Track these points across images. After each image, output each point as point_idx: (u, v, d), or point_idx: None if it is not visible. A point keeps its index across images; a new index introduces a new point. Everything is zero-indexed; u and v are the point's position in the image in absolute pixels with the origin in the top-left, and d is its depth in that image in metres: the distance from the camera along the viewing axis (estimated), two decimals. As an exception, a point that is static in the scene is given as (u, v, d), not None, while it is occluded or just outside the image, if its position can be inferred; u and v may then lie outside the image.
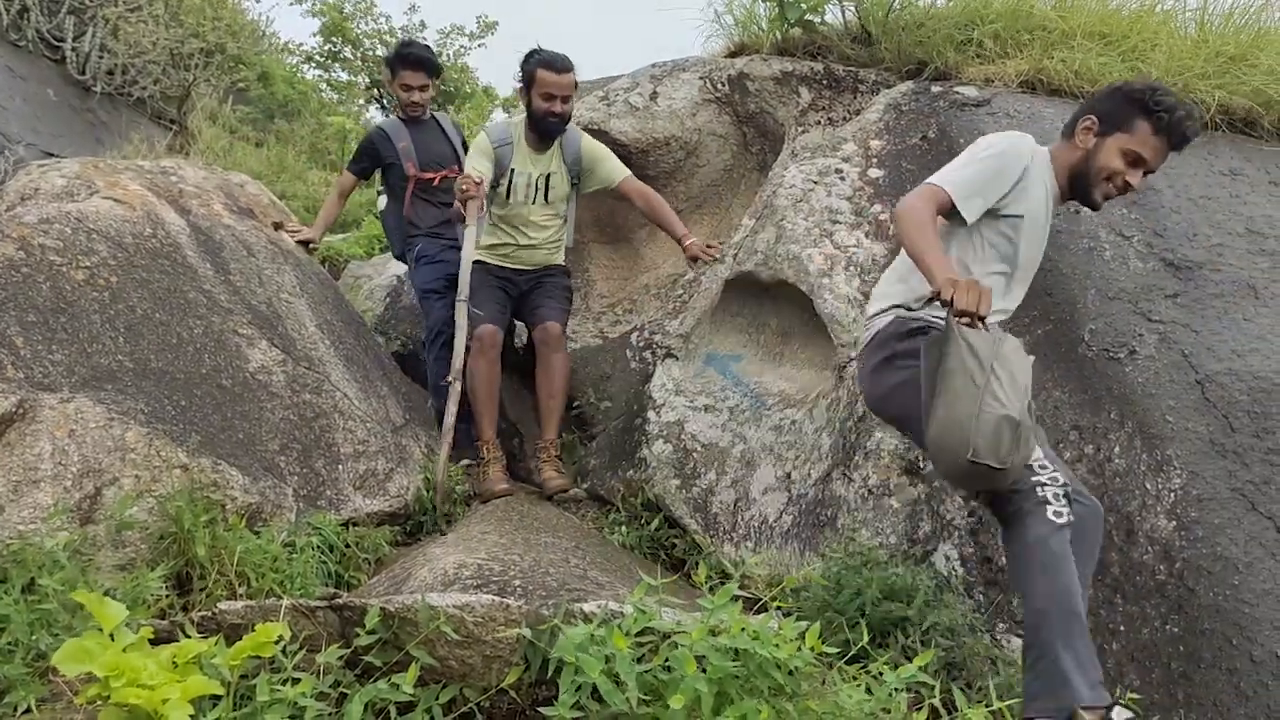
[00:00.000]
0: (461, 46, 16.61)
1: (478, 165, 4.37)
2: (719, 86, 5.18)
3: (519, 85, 4.49)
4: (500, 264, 4.59)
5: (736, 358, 4.25)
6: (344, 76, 15.91)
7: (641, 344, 4.77)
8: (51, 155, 7.58)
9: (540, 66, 4.34)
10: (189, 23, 10.89)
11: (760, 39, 5.40)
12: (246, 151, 10.80)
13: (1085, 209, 3.69)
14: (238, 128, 11.96)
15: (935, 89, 4.46)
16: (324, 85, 15.73)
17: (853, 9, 5.20)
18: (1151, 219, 3.71)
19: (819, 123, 4.87)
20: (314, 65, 15.81)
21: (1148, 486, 3.03)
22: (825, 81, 4.92)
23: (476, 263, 4.32)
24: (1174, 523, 2.95)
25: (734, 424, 3.97)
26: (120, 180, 3.79)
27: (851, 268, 3.89)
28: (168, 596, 2.74)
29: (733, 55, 5.44)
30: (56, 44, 9.79)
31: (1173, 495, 2.99)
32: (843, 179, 4.21)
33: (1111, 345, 3.34)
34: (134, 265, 3.43)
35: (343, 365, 4.03)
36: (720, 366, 4.24)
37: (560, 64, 4.35)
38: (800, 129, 4.87)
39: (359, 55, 15.84)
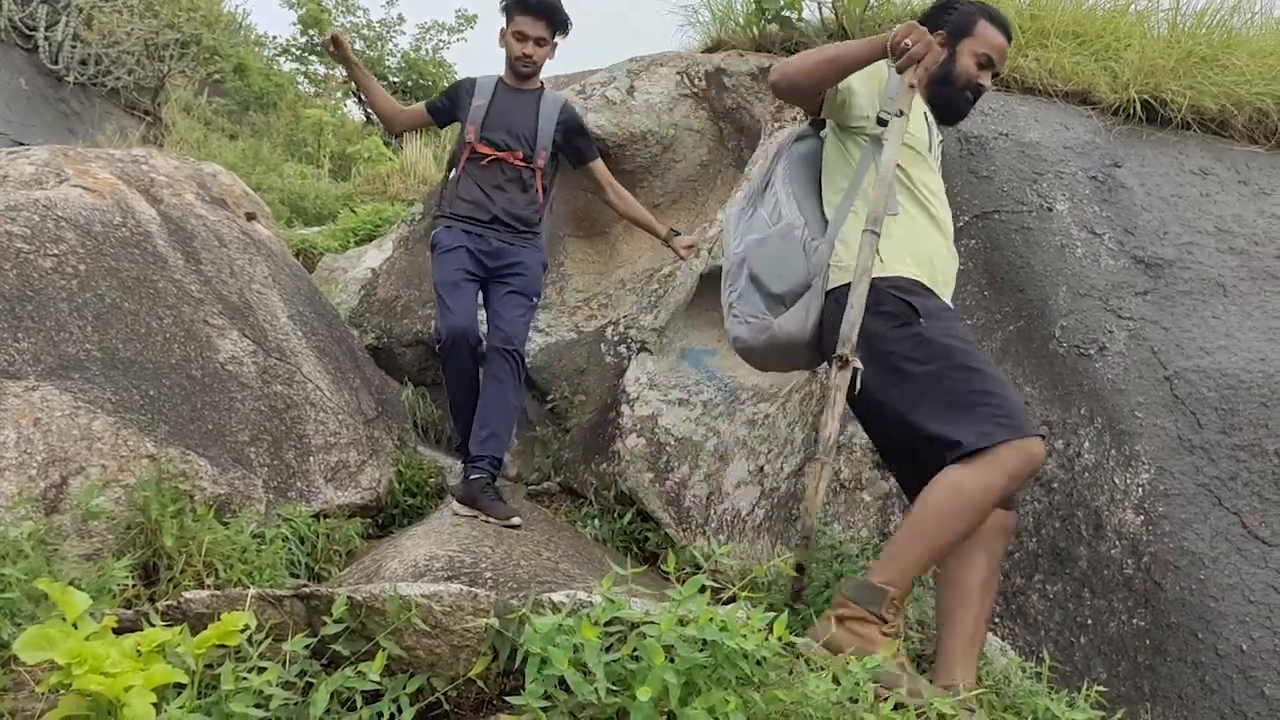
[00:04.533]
0: (440, 41, 16.57)
1: None
2: (696, 82, 5.18)
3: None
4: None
5: (711, 352, 4.25)
6: (321, 70, 15.83)
7: (616, 338, 4.76)
8: (22, 144, 7.50)
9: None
10: (164, 13, 10.82)
11: (737, 35, 5.40)
12: (221, 143, 10.72)
13: (1056, 206, 3.72)
14: (212, 120, 11.89)
15: (911, 86, 4.47)
16: (301, 78, 15.65)
17: (829, 5, 5.21)
18: (1123, 217, 3.74)
19: (795, 118, 4.88)
20: (291, 58, 15.72)
21: (1116, 481, 3.05)
22: (802, 78, 4.92)
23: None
24: (1142, 517, 2.98)
25: (707, 418, 3.98)
26: (90, 169, 3.75)
27: (826, 263, 3.89)
28: (134, 587, 2.72)
29: (710, 50, 5.44)
30: (29, 33, 9.70)
31: (1141, 490, 3.01)
32: (818, 175, 4.21)
33: (1082, 342, 3.36)
34: (103, 254, 3.40)
35: (315, 357, 4.00)
36: (694, 360, 4.25)
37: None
38: (776, 125, 4.87)
39: (336, 48, 15.73)
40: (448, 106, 4.30)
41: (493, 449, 3.86)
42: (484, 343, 3.98)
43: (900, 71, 2.64)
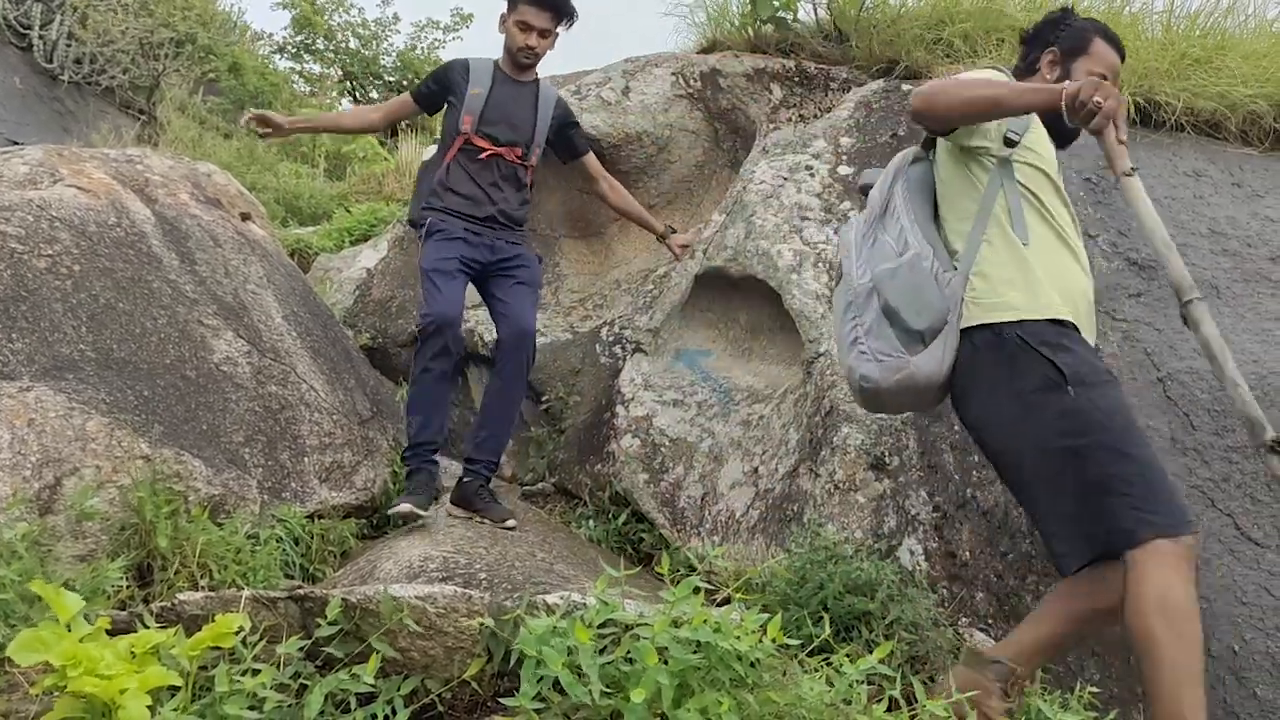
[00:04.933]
0: (436, 40, 16.55)
1: None
2: (691, 83, 5.18)
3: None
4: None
5: (705, 353, 4.26)
6: (316, 69, 15.81)
7: (611, 339, 4.77)
8: (16, 143, 7.48)
9: None
10: (159, 12, 10.80)
11: (733, 35, 5.41)
12: (216, 142, 10.69)
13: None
14: (207, 118, 11.86)
15: (906, 87, 4.49)
16: (296, 77, 15.63)
17: (825, 7, 5.23)
18: (1116, 219, 3.75)
19: (790, 119, 4.89)
20: (285, 56, 15.70)
21: (1109, 483, 3.06)
22: (797, 79, 4.93)
23: None
24: (1135, 519, 2.98)
25: (702, 419, 3.98)
26: (85, 168, 3.75)
27: (820, 264, 3.90)
28: (128, 588, 2.72)
29: (705, 51, 5.44)
30: (23, 31, 9.68)
31: (1134, 491, 3.02)
32: (813, 176, 4.22)
33: (1076, 343, 3.37)
34: (97, 254, 3.39)
35: (310, 357, 4.00)
36: (689, 361, 4.25)
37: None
38: (772, 125, 4.88)
39: (332, 47, 15.74)
40: (436, 91, 4.09)
41: (490, 451, 3.78)
42: (464, 339, 3.91)
43: (1093, 133, 2.38)
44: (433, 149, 4.32)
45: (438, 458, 3.82)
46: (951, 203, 2.74)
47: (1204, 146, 4.19)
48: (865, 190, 3.04)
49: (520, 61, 4.00)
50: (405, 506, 3.44)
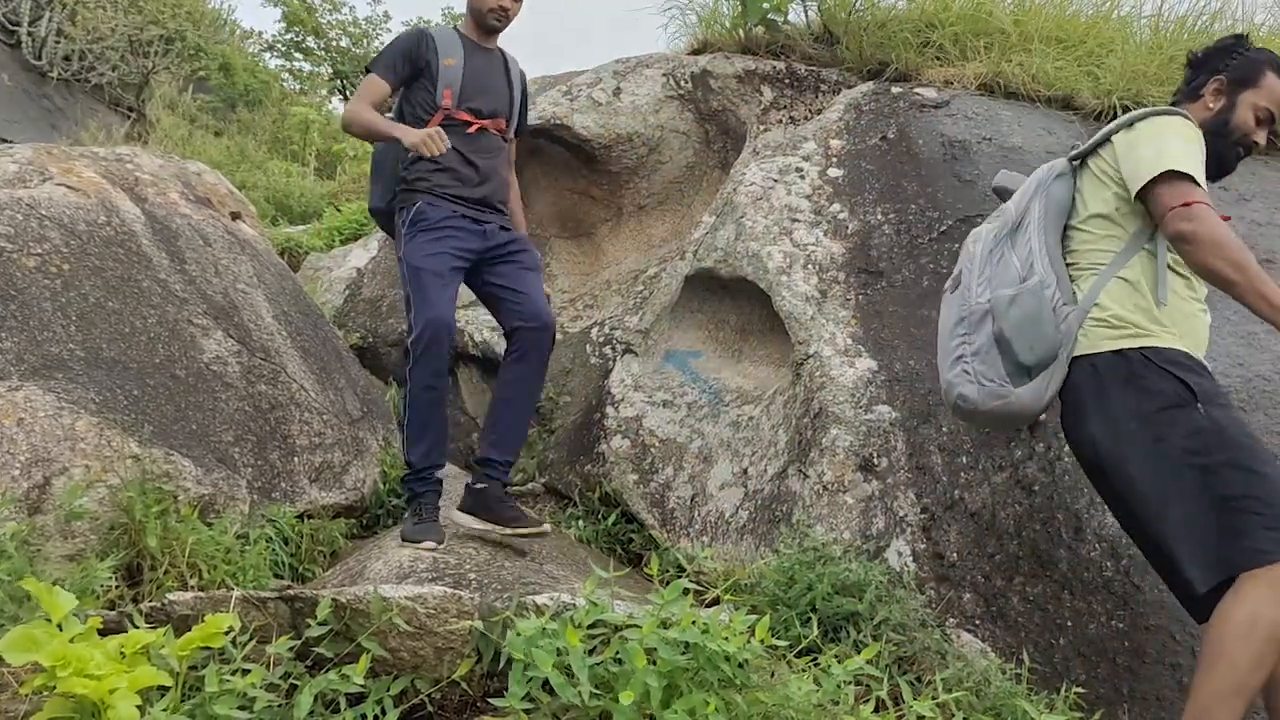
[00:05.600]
0: (426, 39, 16.52)
1: None
2: (682, 84, 5.19)
3: None
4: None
5: (695, 354, 4.27)
6: (306, 67, 15.79)
7: (601, 339, 4.78)
8: (5, 141, 7.46)
9: None
10: (148, 9, 10.77)
11: (724, 37, 5.43)
12: (206, 140, 10.68)
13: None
14: (198, 116, 11.84)
15: (895, 90, 4.51)
16: (286, 75, 15.60)
17: (815, 9, 5.25)
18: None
19: (780, 121, 4.90)
20: (276, 54, 15.68)
21: (1096, 485, 3.08)
22: (787, 80, 4.95)
23: None
24: (1121, 520, 3.00)
25: (692, 420, 3.99)
26: (75, 167, 3.74)
27: (810, 266, 3.92)
28: (118, 588, 2.71)
29: (696, 53, 5.46)
30: (12, 28, 9.65)
31: (1120, 493, 3.04)
32: (803, 178, 4.24)
33: (1063, 345, 3.38)
34: (87, 253, 3.39)
35: (300, 357, 4.00)
36: (679, 362, 4.26)
37: None
38: (762, 127, 4.89)
39: (323, 45, 15.72)
40: (404, 69, 3.61)
41: (510, 449, 3.45)
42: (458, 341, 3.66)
43: None
44: None
45: (441, 474, 3.45)
46: (1089, 235, 2.66)
47: (1191, 150, 4.21)
48: (998, 193, 2.99)
49: (490, 24, 3.66)
50: (429, 544, 3.09)
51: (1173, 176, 2.45)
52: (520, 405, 3.50)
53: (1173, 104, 2.78)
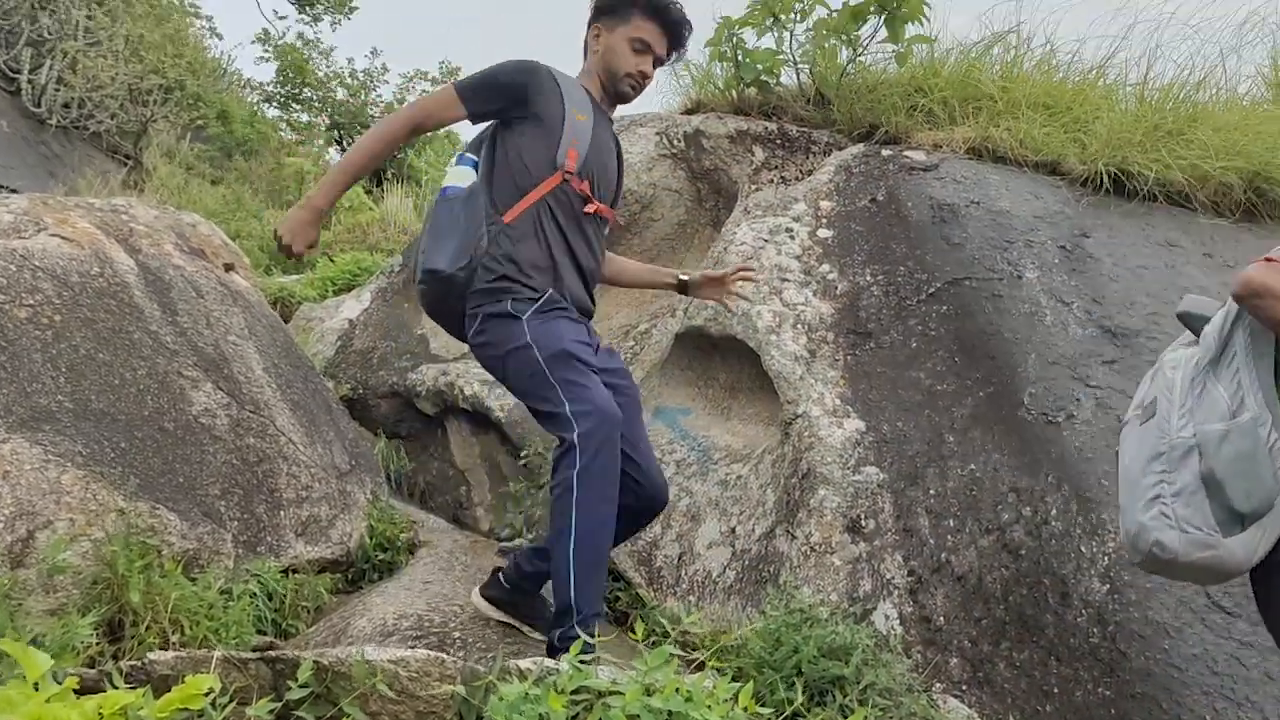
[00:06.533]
0: (424, 91, 16.70)
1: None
2: (675, 142, 5.25)
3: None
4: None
5: (685, 411, 4.28)
6: (304, 118, 15.94)
7: (591, 395, 4.78)
8: (2, 188, 7.50)
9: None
10: (150, 59, 10.88)
11: (717, 97, 5.50)
12: (202, 189, 10.75)
13: (1026, 274, 3.79)
14: (194, 164, 11.92)
15: (885, 152, 4.56)
16: (284, 125, 15.74)
17: (807, 71, 5.33)
18: (1091, 286, 3.81)
19: (772, 181, 4.95)
20: (273, 105, 15.84)
21: (1083, 550, 3.09)
22: (779, 141, 5.01)
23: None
24: (1108, 586, 3.00)
25: (680, 477, 3.99)
26: (70, 218, 3.77)
27: (799, 326, 3.94)
28: (98, 644, 2.69)
29: (689, 112, 5.53)
30: (13, 75, 9.74)
31: (1107, 559, 3.04)
32: (793, 238, 4.28)
33: (1050, 409, 3.41)
34: (79, 304, 3.40)
35: (289, 409, 4.00)
36: (669, 419, 4.27)
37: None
38: (753, 187, 4.95)
39: (319, 96, 15.87)
40: (496, 104, 2.88)
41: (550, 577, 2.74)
42: None
43: None
44: (461, 175, 2.97)
45: None
46: None
47: (1176, 217, 4.27)
48: (1184, 319, 2.63)
49: (623, 91, 3.02)
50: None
51: None
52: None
53: None
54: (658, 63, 3.03)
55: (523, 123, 2.86)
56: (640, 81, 3.00)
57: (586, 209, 2.89)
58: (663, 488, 2.92)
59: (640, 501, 2.83)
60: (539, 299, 2.76)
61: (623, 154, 3.18)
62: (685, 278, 3.29)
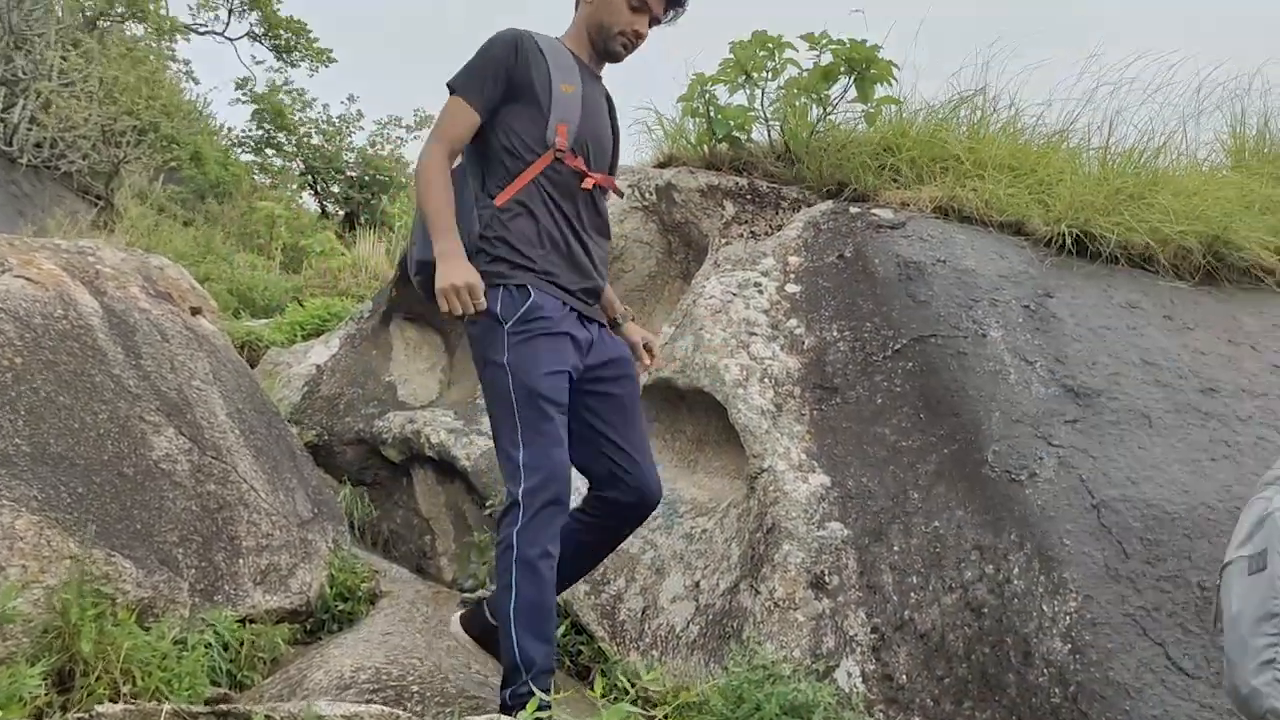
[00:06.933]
0: (398, 138, 16.79)
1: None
2: (647, 195, 5.29)
3: None
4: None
5: (651, 464, 4.27)
6: (278, 163, 15.96)
7: (558, 445, 4.76)
8: (-32, 226, 7.45)
9: None
10: (124, 101, 10.88)
11: (689, 152, 5.56)
12: (173, 230, 10.70)
13: (991, 333, 3.83)
14: (166, 206, 11.88)
15: (854, 210, 4.62)
16: (257, 169, 15.76)
17: (778, 129, 5.40)
18: (1054, 345, 3.86)
19: (741, 235, 5.00)
20: (246, 149, 15.86)
21: (1044, 609, 3.09)
22: (749, 196, 5.06)
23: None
24: (1069, 646, 3.01)
25: (645, 530, 3.96)
26: (35, 259, 3.74)
27: (766, 379, 3.96)
28: (47, 694, 2.63)
29: (661, 166, 5.58)
30: (-16, 115, 9.71)
31: (1068, 618, 3.05)
32: (761, 292, 4.31)
33: (1013, 467, 3.43)
34: (41, 346, 3.36)
35: (252, 456, 3.96)
36: (635, 471, 4.25)
37: None
38: (723, 240, 4.98)
39: (294, 141, 15.91)
40: (498, 89, 2.76)
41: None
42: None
43: None
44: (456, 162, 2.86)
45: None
46: None
47: (1137, 279, 4.34)
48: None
49: (614, 50, 2.86)
50: None
51: None
52: (566, 581, 2.91)
53: None
54: (654, 22, 2.86)
55: (511, 102, 2.76)
56: (633, 41, 2.85)
57: (584, 185, 2.78)
58: (654, 487, 2.85)
59: (628, 496, 2.81)
60: (526, 301, 2.65)
61: (616, 111, 3.03)
62: (621, 321, 3.14)
